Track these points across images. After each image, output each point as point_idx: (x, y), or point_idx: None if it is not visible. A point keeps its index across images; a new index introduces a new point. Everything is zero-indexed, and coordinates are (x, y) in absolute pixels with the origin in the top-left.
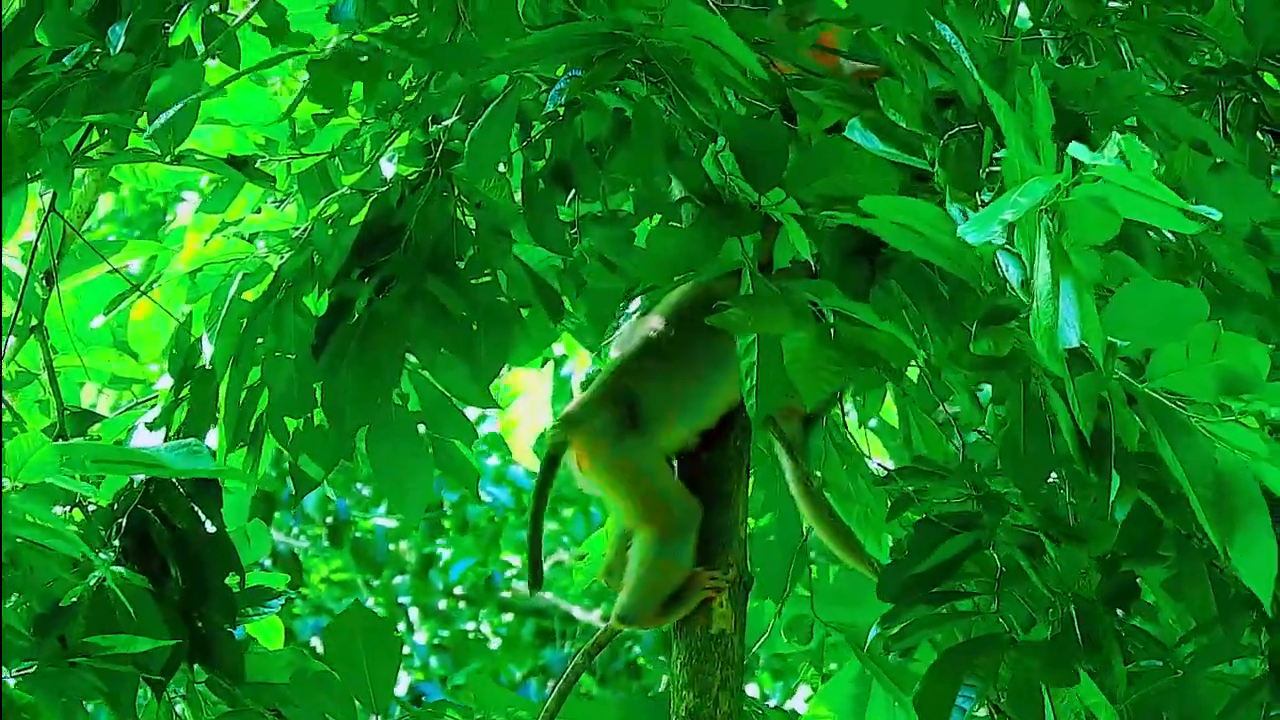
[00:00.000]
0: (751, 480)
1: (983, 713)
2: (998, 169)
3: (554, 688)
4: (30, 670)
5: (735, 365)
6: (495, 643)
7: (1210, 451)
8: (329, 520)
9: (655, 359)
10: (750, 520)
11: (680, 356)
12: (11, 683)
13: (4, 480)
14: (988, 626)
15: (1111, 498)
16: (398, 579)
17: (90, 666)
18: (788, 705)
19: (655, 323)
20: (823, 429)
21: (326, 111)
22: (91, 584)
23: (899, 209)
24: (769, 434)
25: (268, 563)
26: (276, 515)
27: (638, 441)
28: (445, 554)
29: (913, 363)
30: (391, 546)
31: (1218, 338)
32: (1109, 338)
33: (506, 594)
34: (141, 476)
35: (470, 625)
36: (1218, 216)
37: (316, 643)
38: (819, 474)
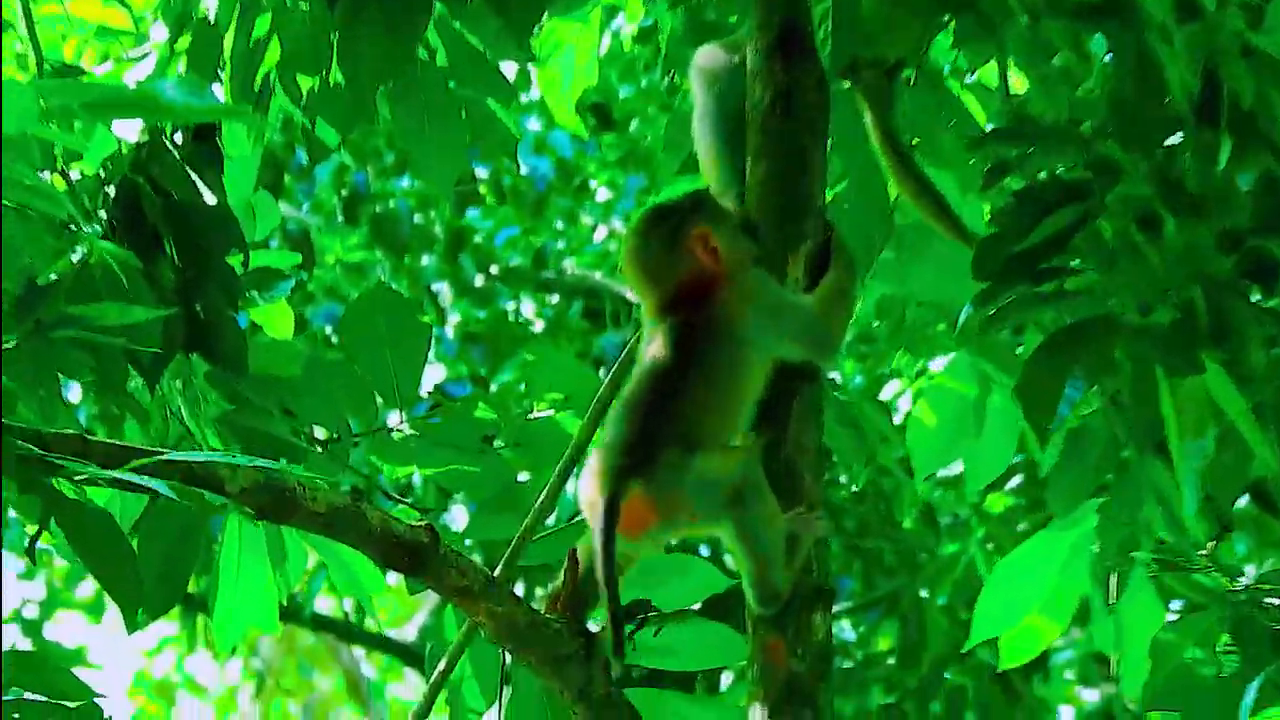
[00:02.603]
0: (830, 144)
1: None
2: None
3: (611, 372)
4: (7, 348)
5: (748, 362)
6: (539, 327)
7: None
8: (344, 193)
9: (670, 386)
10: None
11: (693, 378)
12: None
13: None
14: (1098, 309)
15: (1221, 163)
16: (424, 259)
17: (75, 341)
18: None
19: (654, 352)
20: (911, 85)
21: None
22: (75, 260)
23: None
24: (854, 90)
25: (275, 242)
26: (285, 183)
27: (693, 464)
28: (479, 232)
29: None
30: (418, 219)
31: None
32: None
33: (549, 273)
34: (134, 140)
35: (510, 308)
36: None
37: (331, 333)
38: (910, 136)
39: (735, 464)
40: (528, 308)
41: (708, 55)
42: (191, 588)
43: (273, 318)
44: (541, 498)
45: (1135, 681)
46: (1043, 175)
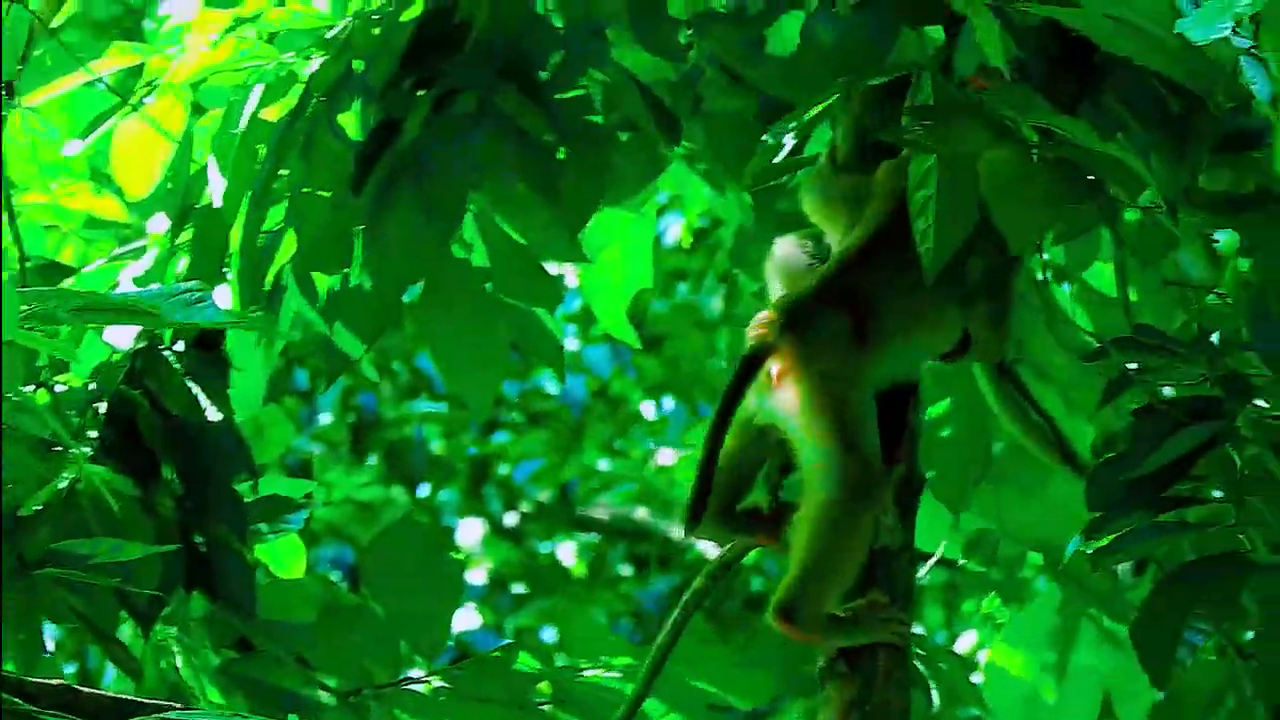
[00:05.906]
0: None
1: None
2: None
3: (666, 625)
4: None
5: None
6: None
7: None
8: (351, 419)
9: (894, 254)
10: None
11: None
12: None
13: None
14: (1225, 543)
15: None
16: (442, 494)
17: (61, 580)
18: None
19: (889, 205)
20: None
21: None
22: (61, 487)
23: None
24: None
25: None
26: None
27: (860, 359)
28: (505, 461)
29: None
30: (434, 447)
31: None
32: None
33: (589, 510)
34: (127, 346)
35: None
36: None
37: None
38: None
39: (873, 444)
40: (565, 550)
41: (786, 248)
42: None
43: (281, 554)
44: None
45: None
46: (1167, 392)
